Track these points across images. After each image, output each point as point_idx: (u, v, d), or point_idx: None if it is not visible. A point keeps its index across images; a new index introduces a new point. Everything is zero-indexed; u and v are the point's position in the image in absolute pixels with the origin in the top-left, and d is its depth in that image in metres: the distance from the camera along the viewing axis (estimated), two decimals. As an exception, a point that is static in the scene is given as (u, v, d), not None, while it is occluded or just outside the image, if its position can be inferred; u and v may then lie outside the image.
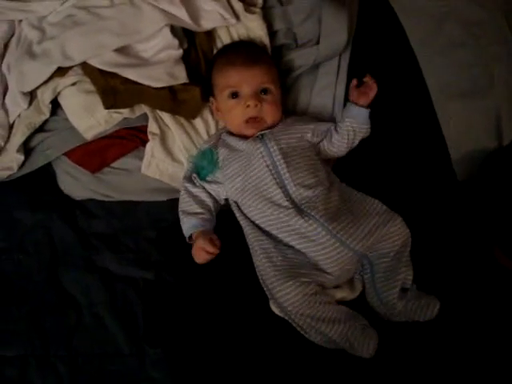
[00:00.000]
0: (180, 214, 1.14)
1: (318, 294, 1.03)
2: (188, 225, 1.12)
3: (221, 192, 1.17)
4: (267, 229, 1.10)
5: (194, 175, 1.17)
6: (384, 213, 1.11)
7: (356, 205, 1.13)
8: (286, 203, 1.08)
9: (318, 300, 1.02)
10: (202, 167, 1.17)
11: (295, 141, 1.16)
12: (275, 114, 1.18)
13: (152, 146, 1.19)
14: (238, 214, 1.14)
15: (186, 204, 1.15)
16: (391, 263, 1.09)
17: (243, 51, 1.19)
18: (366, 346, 0.99)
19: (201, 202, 1.14)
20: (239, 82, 1.15)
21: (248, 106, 1.14)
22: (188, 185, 1.16)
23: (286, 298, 1.01)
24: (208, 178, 1.17)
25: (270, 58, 1.23)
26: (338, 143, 1.19)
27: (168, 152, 1.20)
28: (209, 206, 1.14)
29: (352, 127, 1.17)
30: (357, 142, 1.19)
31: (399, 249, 1.10)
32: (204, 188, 1.16)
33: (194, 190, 1.15)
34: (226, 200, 1.18)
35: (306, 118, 1.26)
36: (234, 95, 1.16)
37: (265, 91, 1.16)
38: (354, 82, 1.19)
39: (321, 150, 1.20)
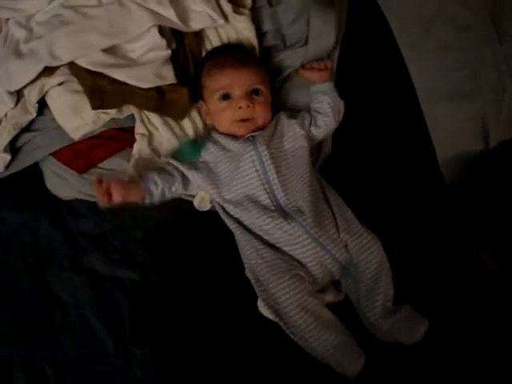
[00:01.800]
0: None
1: (313, 291, 1.04)
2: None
3: (195, 179, 1.16)
4: (254, 230, 1.10)
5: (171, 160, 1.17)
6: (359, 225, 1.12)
7: (341, 211, 1.13)
8: (272, 207, 1.09)
9: (312, 295, 1.03)
10: (184, 151, 1.17)
11: (287, 144, 1.16)
12: (266, 114, 1.18)
13: (139, 147, 1.19)
14: (223, 216, 1.15)
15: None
16: (370, 283, 1.08)
17: (232, 54, 1.19)
18: (352, 365, 0.98)
19: (160, 169, 1.15)
20: (230, 83, 1.15)
21: (240, 108, 1.14)
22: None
23: (282, 292, 1.02)
24: (186, 163, 1.17)
25: (258, 60, 1.23)
26: (326, 122, 1.21)
27: (155, 153, 1.20)
28: (165, 176, 1.14)
29: (328, 102, 1.21)
30: (342, 112, 1.24)
31: (375, 267, 1.09)
32: (176, 167, 1.16)
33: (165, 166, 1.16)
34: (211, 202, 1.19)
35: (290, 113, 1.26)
36: (226, 97, 1.16)
37: (256, 92, 1.17)
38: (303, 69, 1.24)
39: (312, 136, 1.21)
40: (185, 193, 1.19)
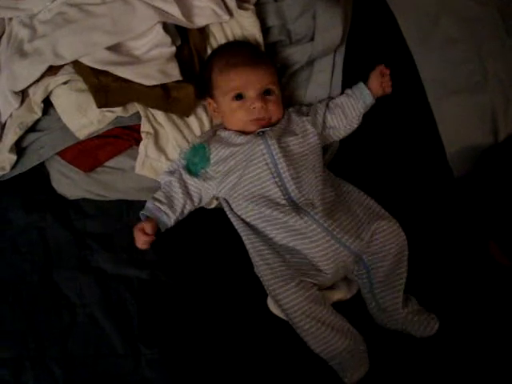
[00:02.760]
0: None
1: (319, 297, 1.03)
2: (147, 204, 1.14)
3: (210, 189, 1.16)
4: (260, 226, 1.09)
5: (182, 171, 1.16)
6: (377, 208, 1.12)
7: (349, 197, 1.13)
8: (284, 202, 1.08)
9: (319, 302, 1.02)
10: (194, 163, 1.16)
11: (297, 139, 1.16)
12: (279, 112, 1.19)
13: (145, 145, 1.18)
14: (229, 214, 1.14)
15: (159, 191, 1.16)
16: (390, 267, 1.08)
17: (243, 52, 1.19)
18: (354, 372, 0.98)
19: (170, 196, 1.14)
20: (244, 84, 1.15)
21: (254, 108, 1.14)
22: (168, 179, 1.15)
23: (286, 300, 1.01)
24: (199, 174, 1.16)
25: (268, 58, 1.23)
26: (346, 130, 1.23)
27: (161, 151, 1.19)
28: (175, 203, 1.13)
29: (359, 116, 1.22)
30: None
31: (396, 252, 1.09)
32: (185, 186, 1.15)
33: (173, 184, 1.15)
34: (217, 199, 1.18)
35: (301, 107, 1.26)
36: (239, 97, 1.16)
37: (268, 92, 1.17)
38: (385, 70, 1.22)
39: (325, 134, 1.22)
40: (201, 205, 1.18)
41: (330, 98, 1.27)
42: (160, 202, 1.13)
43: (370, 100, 1.22)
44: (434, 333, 1.04)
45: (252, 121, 1.16)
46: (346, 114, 1.22)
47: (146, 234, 1.08)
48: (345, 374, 0.99)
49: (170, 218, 1.12)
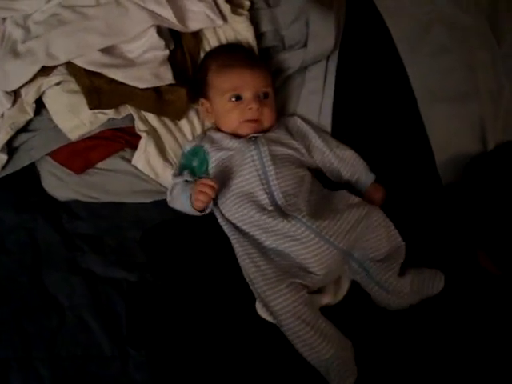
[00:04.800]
0: (173, 192, 1.14)
1: (309, 300, 1.02)
2: (181, 186, 1.12)
3: None
4: (250, 230, 1.09)
5: (186, 174, 1.15)
6: (361, 205, 1.11)
7: (334, 200, 1.13)
8: (271, 208, 1.09)
9: (308, 305, 1.01)
10: (193, 168, 1.17)
11: (287, 150, 1.17)
12: (272, 117, 1.20)
13: (145, 142, 1.19)
14: (219, 218, 1.14)
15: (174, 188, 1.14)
16: (387, 251, 1.09)
17: (240, 54, 1.20)
18: (342, 380, 0.97)
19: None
20: (241, 84, 1.16)
21: (250, 109, 1.15)
22: (174, 182, 1.15)
23: (276, 302, 1.00)
24: (201, 176, 1.15)
25: (264, 62, 1.24)
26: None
27: (160, 150, 1.20)
28: None
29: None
30: None
31: (387, 237, 1.10)
32: None
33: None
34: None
35: (305, 129, 1.25)
36: (237, 98, 1.16)
37: (265, 95, 1.18)
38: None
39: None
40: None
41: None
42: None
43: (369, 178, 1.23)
44: (443, 285, 1.05)
45: (246, 122, 1.16)
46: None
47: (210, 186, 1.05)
48: (334, 380, 0.97)
49: None
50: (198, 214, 1.11)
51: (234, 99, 1.16)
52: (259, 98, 1.17)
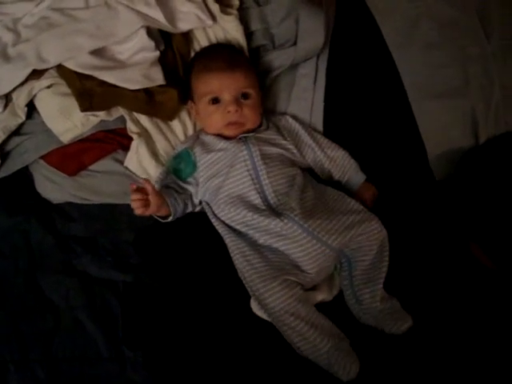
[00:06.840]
0: None
1: (303, 297, 1.03)
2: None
3: (195, 194, 1.17)
4: (243, 230, 1.10)
5: (173, 177, 1.16)
6: (361, 212, 1.12)
7: (332, 202, 1.14)
8: (263, 207, 1.09)
9: (303, 301, 1.02)
10: (180, 170, 1.17)
11: (277, 152, 1.17)
12: (255, 118, 1.19)
13: (137, 144, 1.19)
14: (212, 218, 1.14)
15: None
16: (371, 262, 1.09)
17: (221, 56, 1.19)
18: (347, 369, 0.97)
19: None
20: (219, 88, 1.16)
21: (229, 112, 1.15)
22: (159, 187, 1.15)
23: (271, 299, 1.01)
24: (188, 180, 1.17)
25: (248, 61, 1.23)
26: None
27: (152, 152, 1.20)
28: (177, 196, 1.13)
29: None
30: None
31: (378, 248, 1.10)
32: (176, 190, 1.15)
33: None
34: (201, 203, 1.19)
35: (297, 128, 1.26)
36: (215, 101, 1.16)
37: (245, 96, 1.17)
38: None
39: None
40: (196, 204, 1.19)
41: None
42: (169, 190, 1.13)
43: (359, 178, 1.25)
44: (403, 330, 1.03)
45: (227, 125, 1.16)
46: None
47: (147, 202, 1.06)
48: (338, 371, 0.97)
49: (178, 205, 1.12)
50: (164, 220, 1.13)
51: (212, 102, 1.16)
52: (239, 99, 1.16)
